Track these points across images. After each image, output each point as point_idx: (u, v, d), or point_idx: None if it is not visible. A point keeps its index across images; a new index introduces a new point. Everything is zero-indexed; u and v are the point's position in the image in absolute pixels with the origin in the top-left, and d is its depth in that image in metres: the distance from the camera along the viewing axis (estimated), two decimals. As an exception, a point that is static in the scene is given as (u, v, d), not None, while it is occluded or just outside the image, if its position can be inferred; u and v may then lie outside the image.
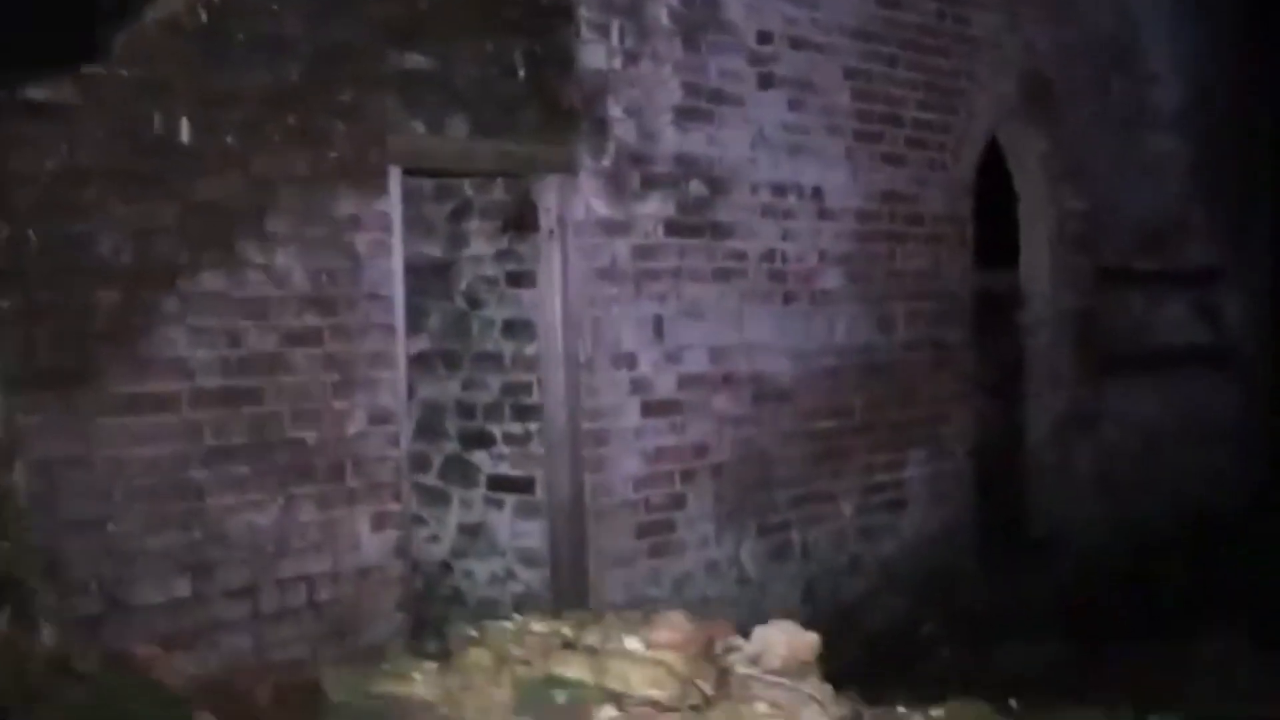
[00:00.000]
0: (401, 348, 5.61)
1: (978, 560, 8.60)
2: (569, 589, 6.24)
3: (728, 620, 3.94)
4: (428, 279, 6.77)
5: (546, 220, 6.24)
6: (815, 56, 7.37)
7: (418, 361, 6.81)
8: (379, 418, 5.44)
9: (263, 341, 5.10)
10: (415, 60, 5.60)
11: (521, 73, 5.98)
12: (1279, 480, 11.54)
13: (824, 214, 7.43)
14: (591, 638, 3.76)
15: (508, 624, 3.84)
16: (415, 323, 6.77)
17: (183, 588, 4.85)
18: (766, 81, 7.09)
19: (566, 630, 3.83)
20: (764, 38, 7.08)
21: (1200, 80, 10.89)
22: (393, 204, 5.52)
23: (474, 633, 3.96)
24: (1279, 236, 11.73)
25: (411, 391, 6.77)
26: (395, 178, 5.55)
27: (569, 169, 6.18)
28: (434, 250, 6.75)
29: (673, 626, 3.71)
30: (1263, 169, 11.62)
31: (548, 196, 6.23)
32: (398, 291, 5.55)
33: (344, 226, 5.34)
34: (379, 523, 5.42)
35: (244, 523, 5.02)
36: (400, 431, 5.55)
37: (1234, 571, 9.36)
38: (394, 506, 5.49)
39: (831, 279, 7.48)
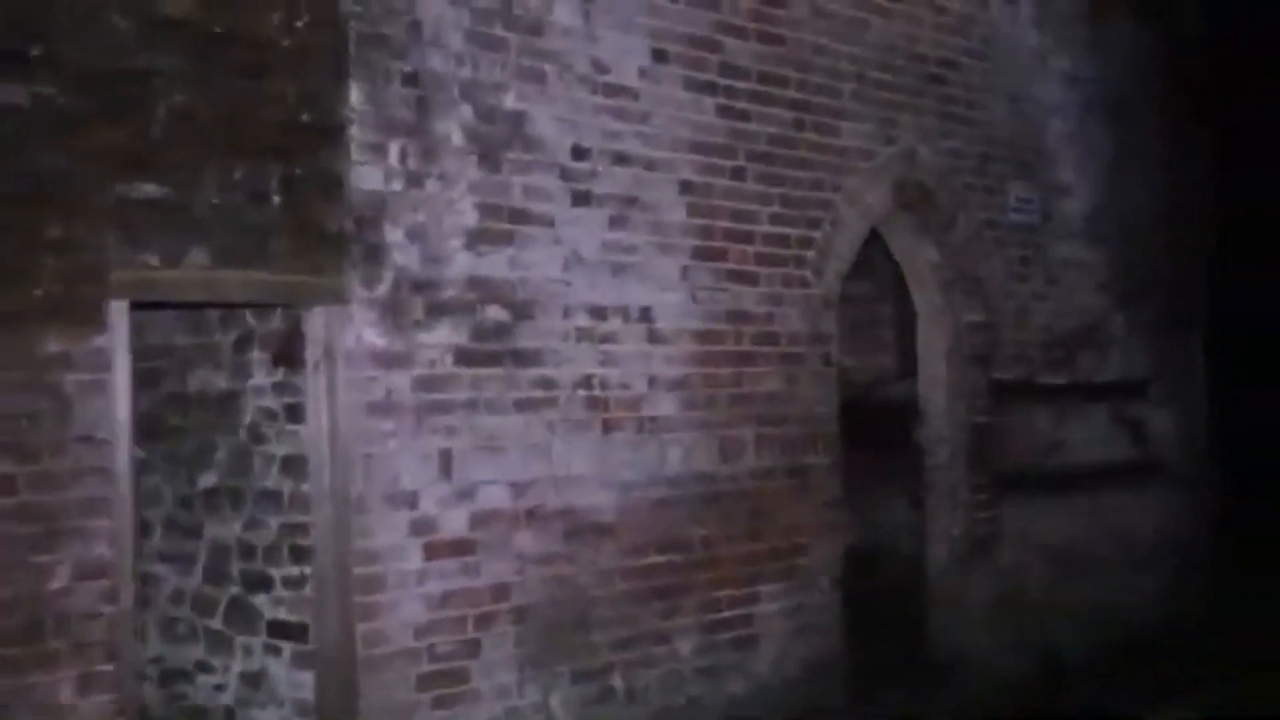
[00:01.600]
0: (126, 491, 5.24)
1: (854, 696, 8.11)
2: (337, 746, 5.83)
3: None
4: (215, 411, 6.45)
5: (313, 352, 5.90)
6: (643, 172, 7.03)
7: (207, 499, 6.49)
8: (90, 572, 5.07)
9: (-59, 494, 4.76)
10: (146, 190, 5.29)
11: (277, 198, 5.66)
12: (1219, 601, 11.03)
13: (654, 337, 7.05)
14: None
15: None
16: (204, 458, 6.49)
17: None
18: (583, 199, 6.75)
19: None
20: (580, 153, 6.75)
21: (1118, 186, 10.49)
22: (114, 341, 5.18)
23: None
24: (1212, 346, 11.25)
25: (200, 531, 6.48)
26: (120, 313, 5.22)
27: (337, 298, 5.85)
28: (220, 381, 6.43)
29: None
30: (1192, 276, 11.18)
31: (315, 327, 5.90)
32: (119, 433, 5.20)
33: (49, 367, 5.00)
34: (86, 686, 5.03)
35: (-87, 691, 4.67)
36: (120, 585, 5.17)
37: (1146, 701, 8.89)
38: (107, 667, 5.09)
39: (664, 405, 7.09)
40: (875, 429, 9.63)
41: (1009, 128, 9.50)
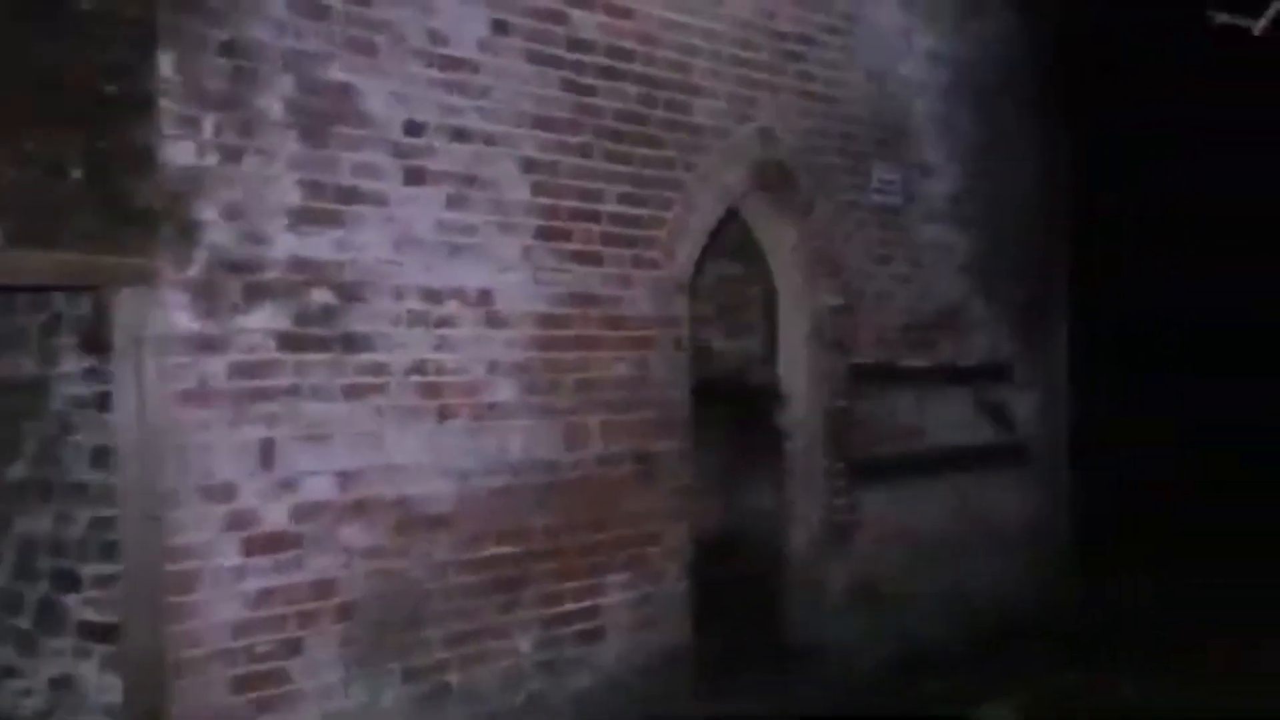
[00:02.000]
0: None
1: (706, 686, 7.92)
2: (147, 753, 5.53)
3: None
4: (23, 399, 6.09)
5: (121, 337, 5.57)
6: (483, 149, 6.75)
7: (15, 491, 6.13)
8: None
9: None
10: (-70, 163, 4.94)
11: (78, 173, 5.32)
12: (1086, 588, 11.03)
13: (494, 320, 6.79)
14: None
15: None
16: (12, 448, 6.13)
17: None
18: (417, 177, 6.46)
19: None
20: (414, 129, 6.46)
21: (983, 169, 10.37)
22: (-109, 327, 4.84)
23: None
24: (1075, 330, 11.19)
25: (8, 525, 6.14)
26: (-102, 297, 4.88)
27: (146, 280, 5.52)
28: (29, 367, 6.07)
29: None
30: (1056, 260, 11.12)
31: (123, 310, 5.57)
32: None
33: None
34: None
35: None
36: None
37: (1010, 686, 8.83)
38: (-119, 675, 4.76)
39: (504, 391, 6.83)
40: (740, 413, 9.46)
41: (871, 107, 9.34)
